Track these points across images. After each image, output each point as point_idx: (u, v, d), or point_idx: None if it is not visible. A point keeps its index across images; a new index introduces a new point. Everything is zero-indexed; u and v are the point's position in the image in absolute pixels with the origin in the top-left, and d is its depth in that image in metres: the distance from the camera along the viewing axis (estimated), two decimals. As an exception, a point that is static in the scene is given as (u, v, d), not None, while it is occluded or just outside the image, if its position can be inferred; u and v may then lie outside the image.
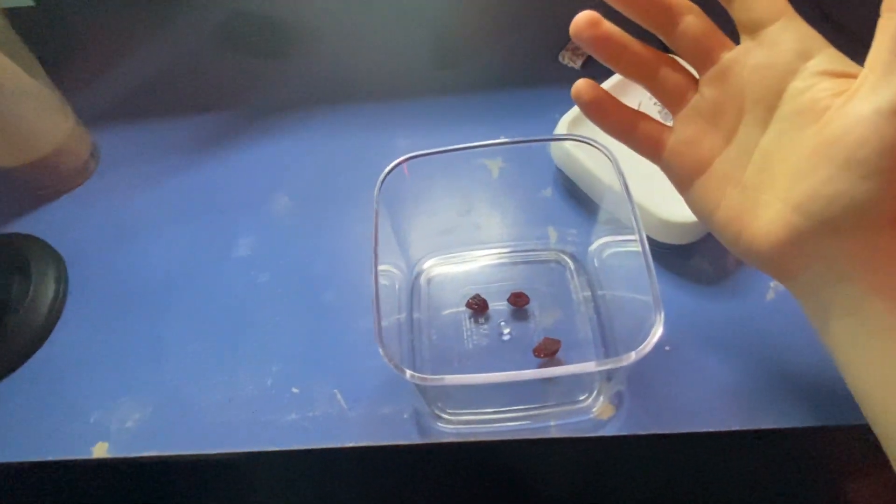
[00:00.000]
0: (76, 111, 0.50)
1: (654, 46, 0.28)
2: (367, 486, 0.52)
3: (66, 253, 0.47)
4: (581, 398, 0.38)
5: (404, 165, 0.34)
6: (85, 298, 0.44)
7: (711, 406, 0.37)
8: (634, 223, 0.31)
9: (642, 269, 0.30)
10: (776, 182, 0.25)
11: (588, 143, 0.34)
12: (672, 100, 0.28)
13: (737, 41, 0.27)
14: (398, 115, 0.53)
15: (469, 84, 0.54)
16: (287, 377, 0.40)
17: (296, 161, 0.51)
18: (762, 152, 0.26)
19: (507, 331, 0.40)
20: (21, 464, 0.38)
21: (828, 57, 0.24)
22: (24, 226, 0.48)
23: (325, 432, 0.38)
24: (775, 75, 0.25)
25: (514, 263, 0.43)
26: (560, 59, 0.53)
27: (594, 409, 0.37)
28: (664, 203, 0.39)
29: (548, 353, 0.38)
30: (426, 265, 0.44)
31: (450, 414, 0.37)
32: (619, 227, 0.38)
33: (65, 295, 0.44)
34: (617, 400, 0.38)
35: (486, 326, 0.40)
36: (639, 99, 0.45)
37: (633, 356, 0.27)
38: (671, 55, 0.28)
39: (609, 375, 0.37)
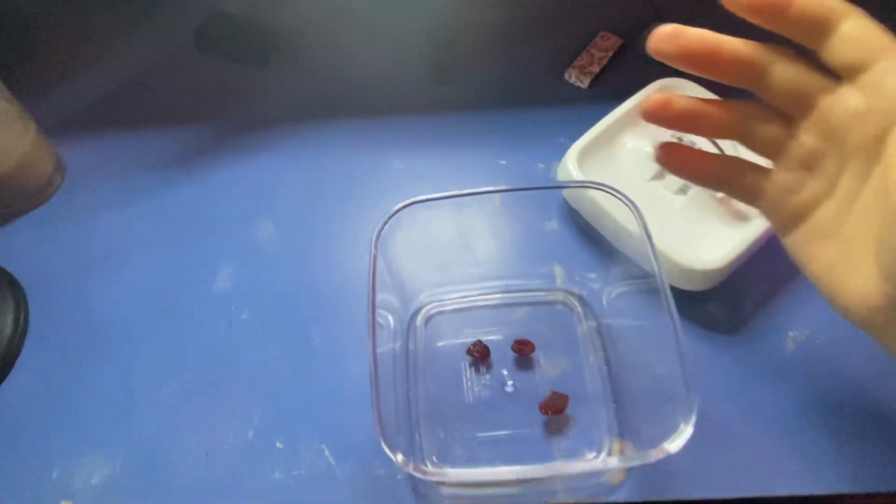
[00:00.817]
0: (38, 122, 0.45)
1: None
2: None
3: (27, 282, 0.42)
4: (590, 457, 0.35)
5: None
6: (46, 336, 0.40)
7: (730, 469, 0.34)
8: (660, 284, 0.28)
9: (662, 324, 0.28)
10: (872, 242, 0.22)
11: (607, 191, 0.31)
12: (768, 151, 0.26)
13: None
14: (392, 133, 0.49)
15: (469, 100, 0.50)
16: (270, 429, 0.37)
17: (281, 182, 0.47)
18: (862, 207, 0.23)
19: (510, 382, 0.37)
20: (-27, 526, 0.34)
21: None
22: (-21, 250, 0.44)
23: (311, 493, 0.35)
24: (877, 123, 0.22)
25: (517, 305, 0.40)
26: (566, 76, 0.50)
27: (605, 474, 0.35)
28: (681, 248, 0.36)
29: (556, 409, 0.35)
30: (422, 303, 0.40)
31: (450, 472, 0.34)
32: (634, 270, 0.35)
33: (24, 331, 0.40)
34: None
35: (487, 376, 0.38)
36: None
37: (664, 449, 0.24)
38: (752, 101, 0.26)
39: (621, 432, 0.35)
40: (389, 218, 0.30)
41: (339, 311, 0.41)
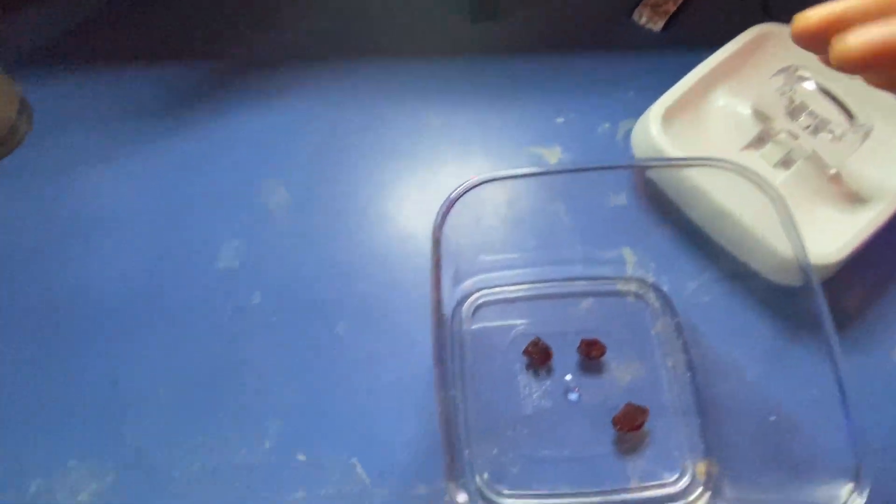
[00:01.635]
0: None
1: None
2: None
3: (-11, 253, 0.36)
4: (669, 480, 0.30)
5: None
6: (14, 323, 0.34)
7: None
8: (817, 299, 0.22)
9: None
10: None
11: (745, 177, 0.24)
12: None
13: None
14: (423, 79, 0.42)
15: (517, 43, 0.43)
16: (290, 439, 0.31)
17: (294, 137, 0.40)
18: None
19: (574, 389, 0.32)
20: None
21: None
22: (-70, 212, 0.37)
23: (342, 518, 0.29)
24: None
25: (581, 295, 0.34)
26: (635, 17, 0.43)
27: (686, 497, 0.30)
28: (779, 234, 0.30)
29: (632, 426, 0.30)
30: (468, 291, 0.34)
31: (506, 497, 0.29)
32: (728, 261, 0.29)
33: (-12, 314, 0.34)
34: (712, 483, 0.30)
35: (548, 382, 0.32)
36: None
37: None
38: None
39: (707, 451, 0.30)
40: (455, 201, 0.23)
41: (369, 294, 0.34)
